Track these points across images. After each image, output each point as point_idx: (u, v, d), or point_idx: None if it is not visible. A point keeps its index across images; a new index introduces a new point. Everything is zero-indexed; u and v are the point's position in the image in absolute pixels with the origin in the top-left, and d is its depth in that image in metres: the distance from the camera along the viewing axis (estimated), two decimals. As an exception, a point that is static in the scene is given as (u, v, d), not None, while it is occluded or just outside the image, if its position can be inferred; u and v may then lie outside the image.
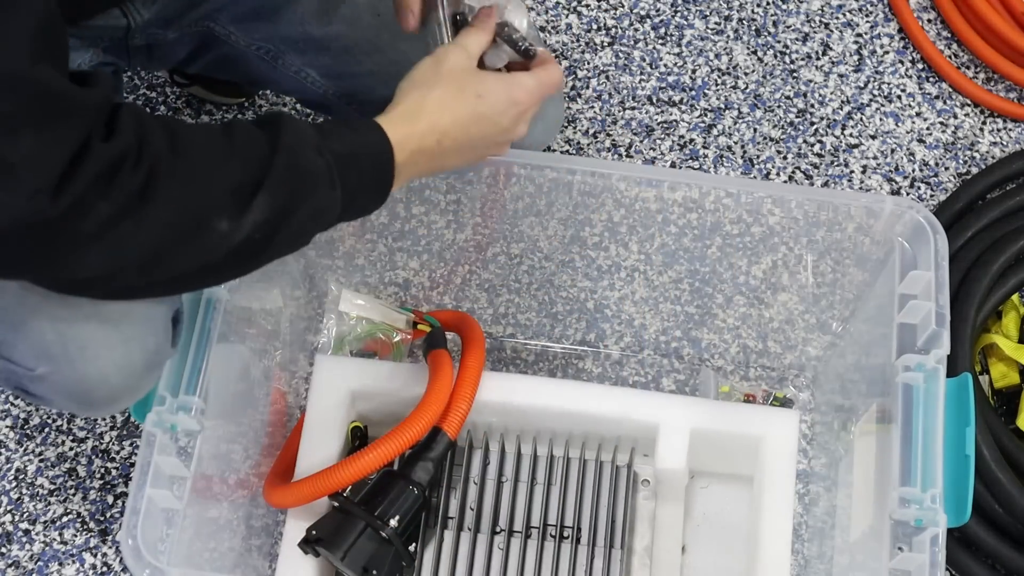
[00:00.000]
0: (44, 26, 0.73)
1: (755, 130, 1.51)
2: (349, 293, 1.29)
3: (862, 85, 1.54)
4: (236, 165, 0.81)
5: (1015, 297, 1.36)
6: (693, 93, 1.53)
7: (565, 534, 1.19)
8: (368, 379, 1.19)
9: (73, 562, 1.28)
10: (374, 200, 0.91)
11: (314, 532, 1.09)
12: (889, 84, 1.55)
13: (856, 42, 1.57)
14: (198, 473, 1.01)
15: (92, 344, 0.91)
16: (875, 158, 1.50)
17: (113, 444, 1.33)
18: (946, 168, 1.50)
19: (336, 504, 1.10)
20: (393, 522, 1.08)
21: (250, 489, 1.18)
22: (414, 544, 1.15)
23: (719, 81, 1.54)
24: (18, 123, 0.71)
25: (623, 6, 1.58)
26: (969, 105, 1.54)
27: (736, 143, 1.50)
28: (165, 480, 0.98)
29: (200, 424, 1.00)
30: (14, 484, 1.31)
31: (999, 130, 1.53)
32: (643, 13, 1.58)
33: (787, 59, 1.56)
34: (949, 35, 1.58)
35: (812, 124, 1.52)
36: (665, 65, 1.55)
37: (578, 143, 1.49)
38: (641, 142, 1.49)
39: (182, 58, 1.15)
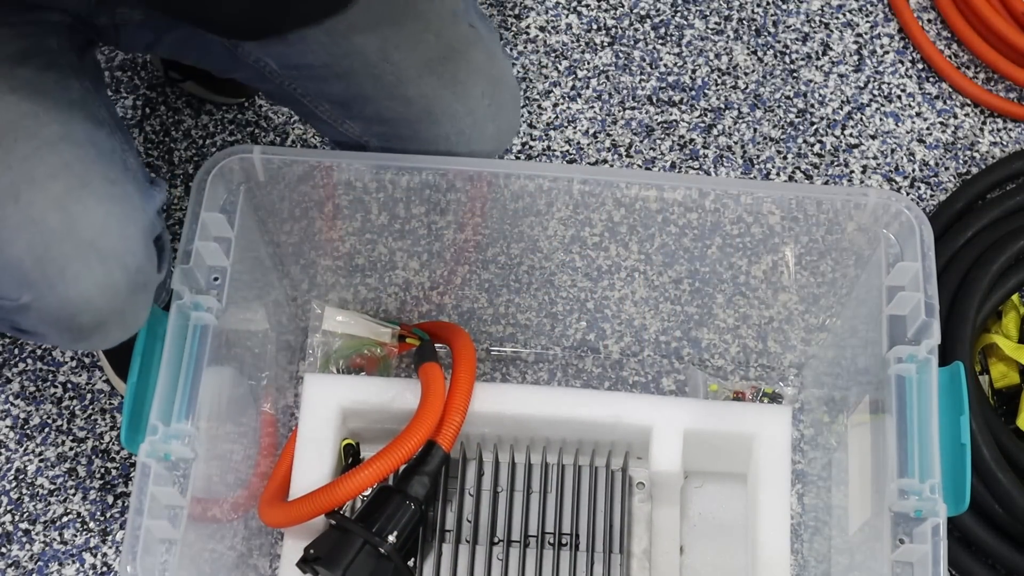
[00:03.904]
0: None
1: (755, 130, 1.51)
2: (332, 310, 1.28)
3: (862, 85, 1.54)
4: None
5: (1015, 297, 1.36)
6: (693, 93, 1.53)
7: (563, 541, 1.19)
8: (358, 396, 1.19)
9: (73, 562, 1.28)
10: None
11: (312, 551, 1.09)
12: (889, 84, 1.55)
13: (856, 42, 1.57)
14: (194, 499, 1.01)
15: (71, 266, 0.92)
16: (875, 158, 1.50)
17: (113, 444, 1.33)
18: (946, 168, 1.50)
19: (333, 522, 1.09)
20: (391, 538, 1.08)
21: (245, 510, 1.18)
22: (413, 559, 1.14)
23: (719, 81, 1.54)
24: None
25: (623, 6, 1.58)
26: (969, 105, 1.54)
27: (736, 143, 1.50)
28: (162, 510, 0.98)
29: (194, 451, 0.99)
30: (14, 484, 1.31)
31: (999, 130, 1.53)
32: (643, 13, 1.58)
33: (787, 59, 1.56)
34: (949, 35, 1.58)
35: (812, 124, 1.52)
36: (665, 65, 1.55)
37: (578, 143, 1.49)
38: (641, 142, 1.49)
39: (150, 41, 1.13)
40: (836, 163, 1.49)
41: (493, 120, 1.11)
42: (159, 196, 1.01)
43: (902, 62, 1.56)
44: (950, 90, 1.54)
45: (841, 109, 1.52)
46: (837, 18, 1.58)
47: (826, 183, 1.48)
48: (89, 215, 0.92)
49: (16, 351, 1.37)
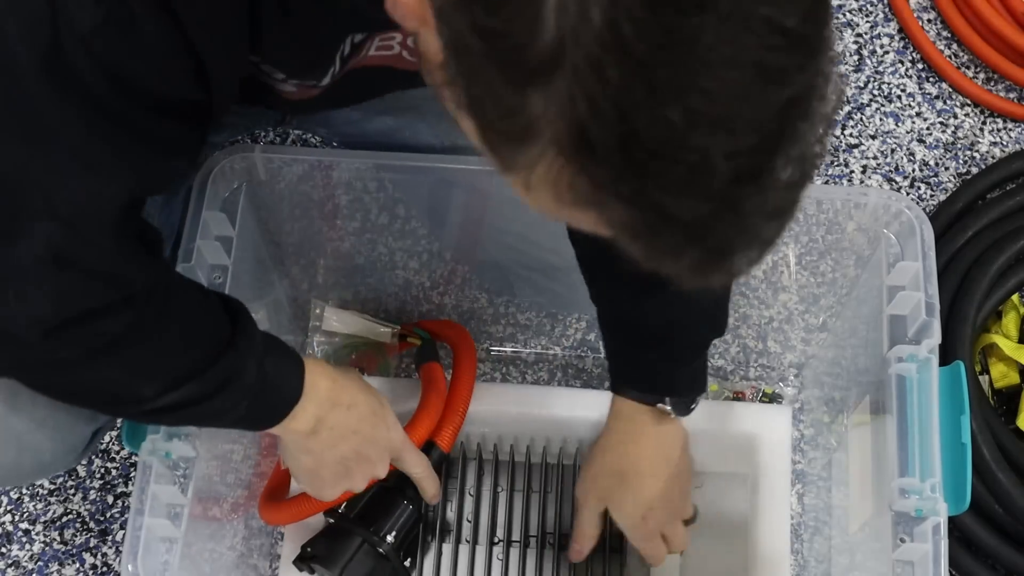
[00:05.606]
0: (142, 186, 0.75)
1: (755, 130, 1.51)
2: (331, 310, 1.28)
3: (862, 85, 1.54)
4: (191, 356, 0.83)
5: (1015, 297, 1.36)
6: (693, 93, 1.53)
7: (563, 541, 1.19)
8: None
9: (73, 562, 1.28)
10: (258, 427, 0.94)
11: (309, 549, 1.08)
12: (889, 84, 1.55)
13: (856, 42, 1.57)
14: (194, 498, 1.01)
15: None
16: (875, 158, 1.50)
17: (113, 444, 1.33)
18: (946, 168, 1.50)
19: (331, 520, 1.09)
20: (390, 538, 1.08)
21: (245, 510, 1.18)
22: (411, 559, 1.14)
23: (719, 81, 1.54)
24: (73, 264, 0.72)
25: (623, 6, 1.58)
26: (969, 105, 1.54)
27: (736, 143, 1.50)
28: (163, 509, 0.98)
29: (195, 450, 0.99)
30: (14, 484, 1.31)
31: (999, 130, 1.53)
32: (643, 13, 1.58)
33: (787, 59, 1.55)
34: (949, 35, 1.58)
35: (812, 124, 1.51)
36: (665, 65, 1.54)
37: (578, 143, 1.49)
38: (641, 142, 1.49)
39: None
40: (836, 163, 1.49)
41: None
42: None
43: (902, 62, 1.56)
44: (950, 90, 1.54)
45: (841, 109, 1.52)
46: (837, 18, 1.58)
47: (826, 183, 1.48)
48: (33, 410, 0.90)
49: (16, 351, 1.37)
